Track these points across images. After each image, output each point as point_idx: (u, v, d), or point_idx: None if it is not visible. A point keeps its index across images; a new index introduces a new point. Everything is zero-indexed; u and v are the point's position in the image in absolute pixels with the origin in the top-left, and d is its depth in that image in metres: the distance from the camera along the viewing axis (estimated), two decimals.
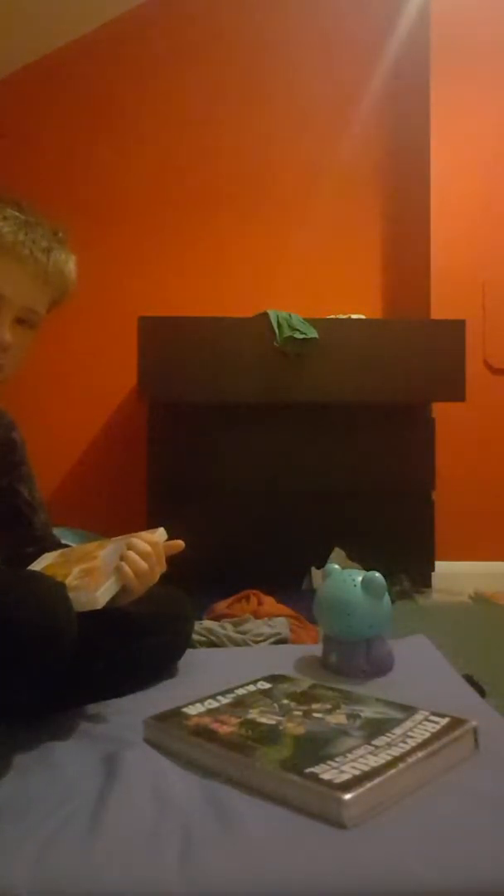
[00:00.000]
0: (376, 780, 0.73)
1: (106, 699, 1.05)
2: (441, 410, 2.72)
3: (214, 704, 0.96)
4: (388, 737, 0.83)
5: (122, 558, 0.96)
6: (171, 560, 1.03)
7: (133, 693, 1.08)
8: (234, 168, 3.17)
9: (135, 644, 1.09)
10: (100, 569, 0.95)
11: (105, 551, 1.00)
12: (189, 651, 1.24)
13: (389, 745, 0.81)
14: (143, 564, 0.97)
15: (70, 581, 0.93)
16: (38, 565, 1.04)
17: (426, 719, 0.88)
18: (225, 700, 0.97)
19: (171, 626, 1.19)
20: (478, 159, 3.01)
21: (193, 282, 3.11)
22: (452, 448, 2.88)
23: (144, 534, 1.02)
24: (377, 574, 1.18)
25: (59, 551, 1.08)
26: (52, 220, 1.03)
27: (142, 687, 1.11)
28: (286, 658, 1.25)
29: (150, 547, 0.99)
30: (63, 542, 1.22)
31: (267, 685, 1.04)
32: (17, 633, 0.78)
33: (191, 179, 3.17)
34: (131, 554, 0.97)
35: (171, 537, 1.05)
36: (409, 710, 0.91)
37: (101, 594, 0.90)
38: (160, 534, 1.04)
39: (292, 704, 0.96)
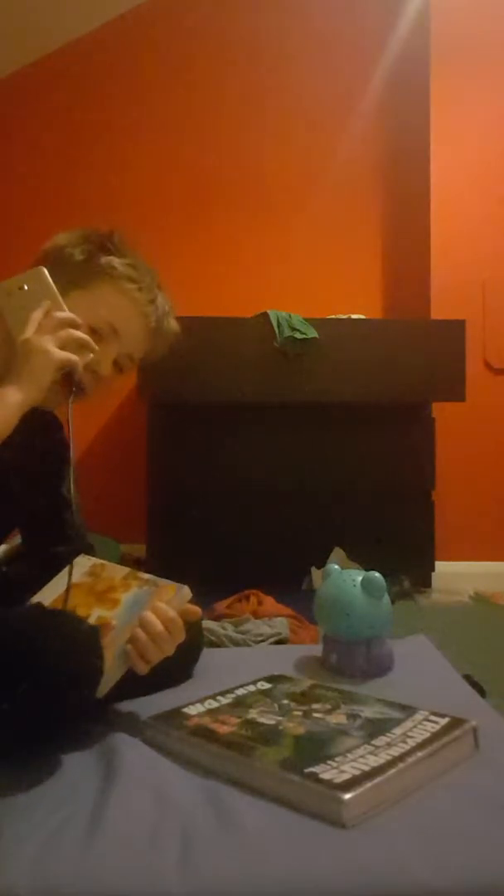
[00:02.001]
0: (376, 780, 0.73)
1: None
2: (441, 410, 2.72)
3: (214, 704, 0.96)
4: (388, 737, 0.83)
5: (132, 639, 0.90)
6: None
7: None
8: (234, 168, 3.17)
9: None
10: (112, 634, 0.90)
11: (125, 602, 0.95)
12: None
13: (389, 745, 0.81)
14: (154, 651, 0.90)
15: None
16: (66, 576, 1.01)
17: (426, 719, 0.88)
18: (225, 700, 0.97)
19: (182, 660, 1.11)
20: (478, 159, 3.00)
21: (193, 282, 3.11)
22: (452, 448, 2.87)
23: (166, 593, 0.95)
24: (377, 574, 1.18)
25: (89, 566, 1.04)
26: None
27: None
28: (286, 658, 1.25)
29: (167, 623, 0.91)
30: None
31: (267, 685, 1.04)
32: (48, 678, 0.79)
33: (190, 179, 3.17)
34: (142, 636, 0.90)
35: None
36: (408, 710, 0.91)
37: (101, 685, 0.86)
38: (183, 596, 0.96)
39: (292, 704, 0.95)
